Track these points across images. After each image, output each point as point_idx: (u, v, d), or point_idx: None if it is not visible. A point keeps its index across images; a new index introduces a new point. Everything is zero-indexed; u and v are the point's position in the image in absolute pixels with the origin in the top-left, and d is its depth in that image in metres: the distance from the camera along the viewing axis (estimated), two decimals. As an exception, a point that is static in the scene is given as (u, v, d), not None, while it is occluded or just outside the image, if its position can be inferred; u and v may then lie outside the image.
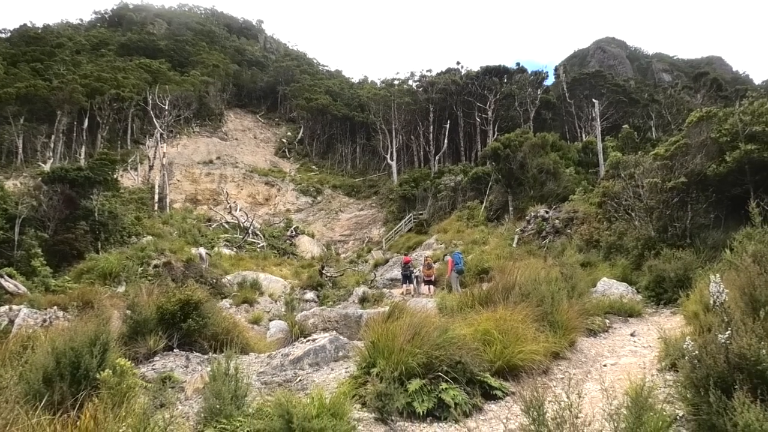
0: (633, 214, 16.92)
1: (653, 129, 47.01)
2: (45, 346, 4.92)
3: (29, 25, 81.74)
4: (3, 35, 74.94)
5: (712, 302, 4.25)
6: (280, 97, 76.32)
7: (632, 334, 8.71)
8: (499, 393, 5.34)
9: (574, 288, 9.70)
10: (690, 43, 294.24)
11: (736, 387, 3.46)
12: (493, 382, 5.42)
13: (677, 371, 4.98)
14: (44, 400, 3.98)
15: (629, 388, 4.50)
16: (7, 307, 12.44)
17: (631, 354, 7.25)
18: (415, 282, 21.72)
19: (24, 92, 49.03)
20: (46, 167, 36.56)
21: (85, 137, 51.00)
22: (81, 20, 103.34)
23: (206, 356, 7.16)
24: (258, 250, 36.10)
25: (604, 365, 6.73)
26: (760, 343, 3.69)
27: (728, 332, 3.79)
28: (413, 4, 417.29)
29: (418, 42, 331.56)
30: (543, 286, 7.74)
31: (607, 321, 9.55)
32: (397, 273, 24.88)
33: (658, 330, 6.83)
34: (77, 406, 3.93)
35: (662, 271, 12.44)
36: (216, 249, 31.33)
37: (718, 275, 4.23)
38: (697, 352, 3.92)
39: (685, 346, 4.03)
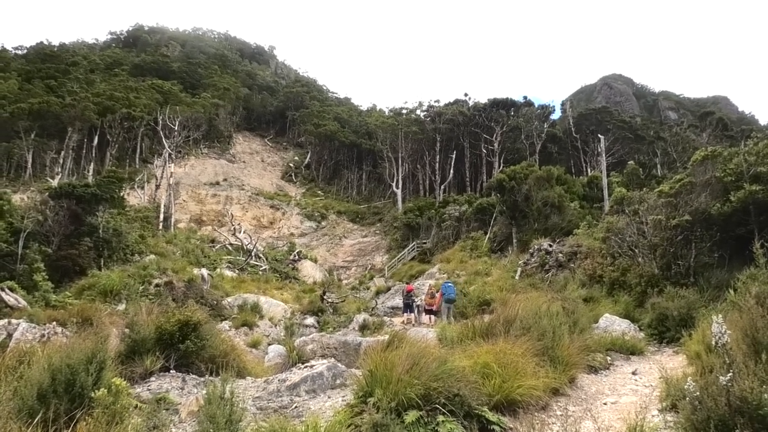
0: (637, 250, 16.86)
1: (658, 166, 47.12)
2: (41, 361, 4.90)
3: (46, 42, 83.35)
4: (20, 52, 76.40)
5: (714, 343, 4.21)
6: (289, 122, 77.10)
7: (634, 373, 8.60)
8: (497, 428, 5.26)
9: (575, 323, 9.62)
10: (696, 83, 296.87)
11: (737, 431, 3.41)
12: (491, 416, 5.35)
13: (678, 412, 4.91)
14: (38, 417, 3.95)
15: (628, 428, 4.45)
16: (6, 320, 12.40)
17: (632, 393, 7.15)
18: (416, 311, 21.59)
19: (37, 108, 49.72)
20: (54, 182, 36.83)
21: (94, 154, 51.51)
22: (96, 40, 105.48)
23: (202, 379, 7.11)
24: (260, 273, 36.02)
25: (605, 403, 6.64)
26: (762, 387, 3.65)
27: (730, 374, 3.75)
28: (423, 36, 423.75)
29: (427, 73, 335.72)
30: (545, 320, 7.69)
31: (609, 358, 9.45)
32: (398, 301, 24.75)
33: (660, 369, 6.76)
34: (71, 424, 3.90)
35: (665, 309, 12.33)
36: (218, 270, 31.29)
37: (720, 316, 4.21)
38: (698, 393, 3.88)
39: (686, 387, 3.99)
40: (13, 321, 12.28)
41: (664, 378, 6.12)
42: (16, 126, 48.45)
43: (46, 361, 4.79)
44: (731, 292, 8.94)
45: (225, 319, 20.29)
